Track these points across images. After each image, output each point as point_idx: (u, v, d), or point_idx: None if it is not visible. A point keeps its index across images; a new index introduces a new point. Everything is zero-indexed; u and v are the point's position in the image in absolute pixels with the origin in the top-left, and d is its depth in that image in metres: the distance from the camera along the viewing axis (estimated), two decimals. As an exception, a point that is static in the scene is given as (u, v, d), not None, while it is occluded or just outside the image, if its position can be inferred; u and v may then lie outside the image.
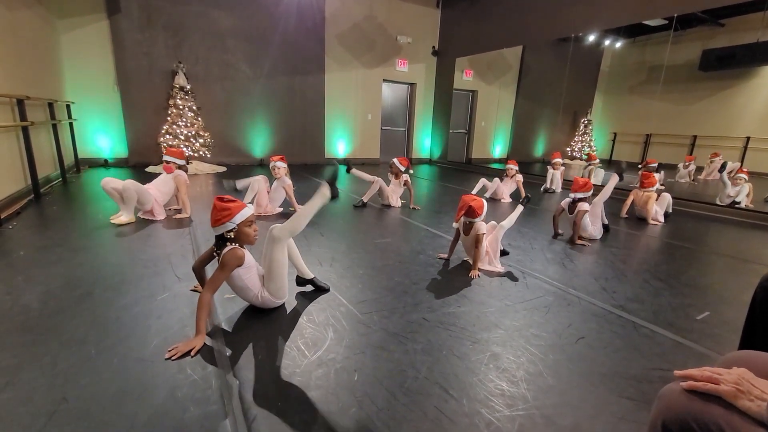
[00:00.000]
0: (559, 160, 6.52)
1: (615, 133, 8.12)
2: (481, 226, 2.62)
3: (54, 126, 5.20)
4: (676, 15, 5.56)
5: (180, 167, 3.78)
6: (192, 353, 1.58)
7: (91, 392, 1.35)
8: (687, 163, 6.66)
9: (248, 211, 1.81)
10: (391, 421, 1.28)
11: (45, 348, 1.59)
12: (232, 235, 1.78)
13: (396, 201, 4.71)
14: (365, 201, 4.63)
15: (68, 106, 6.04)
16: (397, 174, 4.67)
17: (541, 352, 1.73)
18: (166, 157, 3.74)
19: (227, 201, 1.78)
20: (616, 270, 2.86)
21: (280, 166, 3.95)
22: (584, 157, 8.25)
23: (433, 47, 9.70)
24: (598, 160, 7.07)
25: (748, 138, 6.05)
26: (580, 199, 3.41)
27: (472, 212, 2.59)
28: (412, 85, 9.84)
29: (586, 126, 8.52)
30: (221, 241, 1.80)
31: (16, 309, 1.90)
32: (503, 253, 2.95)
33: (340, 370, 1.53)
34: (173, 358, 1.55)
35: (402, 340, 1.77)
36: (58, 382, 1.40)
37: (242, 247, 1.84)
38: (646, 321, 2.08)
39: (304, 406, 1.33)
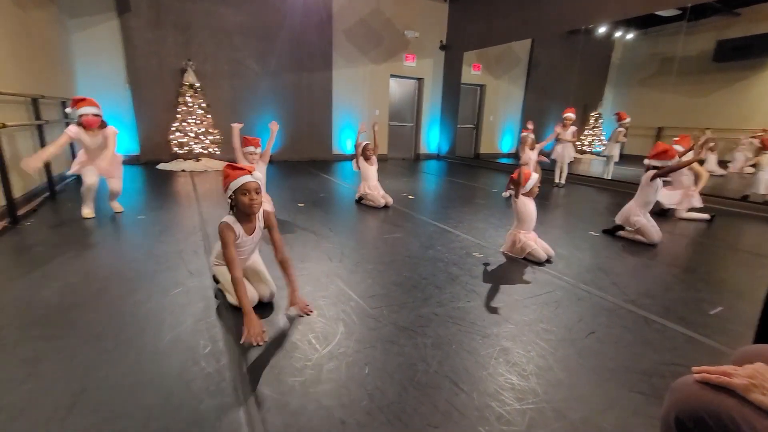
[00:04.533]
0: (571, 115, 5.65)
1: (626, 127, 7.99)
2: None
3: (67, 124, 5.27)
4: (690, 5, 5.44)
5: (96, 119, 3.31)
6: (263, 337, 1.66)
7: (109, 384, 1.39)
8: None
9: (244, 179, 1.79)
10: (402, 414, 1.30)
11: (64, 341, 1.64)
12: (230, 201, 1.83)
13: (383, 194, 4.36)
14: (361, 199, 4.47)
15: (81, 105, 6.12)
16: (369, 156, 4.36)
17: (551, 346, 1.73)
18: (86, 109, 3.23)
19: (233, 168, 1.81)
20: (627, 265, 2.84)
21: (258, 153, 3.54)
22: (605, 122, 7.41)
23: (441, 41, 9.62)
24: (628, 120, 6.18)
25: (765, 130, 5.91)
26: (655, 168, 3.18)
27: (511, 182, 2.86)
28: (419, 80, 9.78)
29: (596, 119, 8.40)
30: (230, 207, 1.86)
31: (36, 303, 1.95)
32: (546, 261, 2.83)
33: (351, 364, 1.55)
34: (260, 343, 1.63)
35: (412, 335, 1.78)
36: (77, 373, 1.44)
37: (248, 214, 1.84)
38: (658, 316, 2.06)
39: (316, 399, 1.35)
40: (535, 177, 2.81)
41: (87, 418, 1.24)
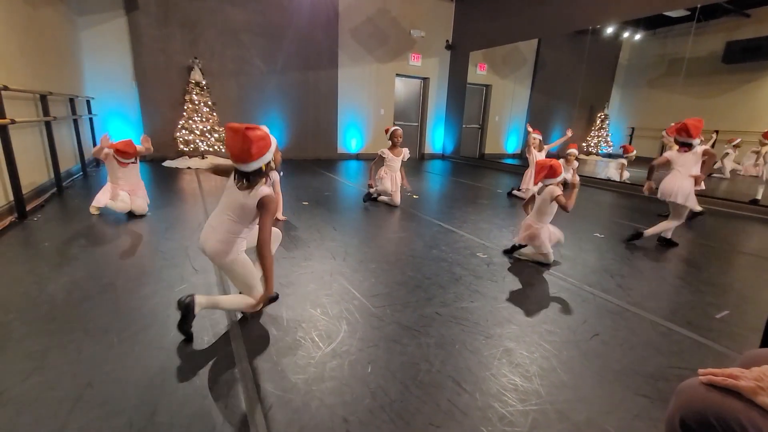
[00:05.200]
0: (574, 151, 5.77)
1: (633, 128, 7.94)
2: (555, 189, 2.65)
3: (75, 121, 5.33)
4: (699, 6, 5.39)
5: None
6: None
7: (114, 379, 1.40)
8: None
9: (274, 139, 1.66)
10: (405, 413, 1.30)
11: (70, 336, 1.65)
12: (273, 165, 1.62)
13: (396, 191, 4.40)
14: (375, 195, 4.54)
15: (88, 102, 6.17)
16: (397, 144, 4.42)
17: (554, 348, 1.73)
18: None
19: (257, 129, 1.56)
20: (633, 267, 2.82)
21: None
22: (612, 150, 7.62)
23: (447, 41, 9.60)
24: (634, 153, 6.20)
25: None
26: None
27: (553, 173, 2.64)
28: (425, 79, 9.77)
29: (602, 120, 8.35)
30: (256, 176, 1.59)
31: (43, 298, 1.97)
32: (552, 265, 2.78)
33: (354, 362, 1.55)
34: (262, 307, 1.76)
35: (415, 334, 1.78)
36: (83, 368, 1.45)
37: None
38: (663, 319, 2.05)
39: (318, 397, 1.36)
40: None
41: (92, 411, 1.25)
